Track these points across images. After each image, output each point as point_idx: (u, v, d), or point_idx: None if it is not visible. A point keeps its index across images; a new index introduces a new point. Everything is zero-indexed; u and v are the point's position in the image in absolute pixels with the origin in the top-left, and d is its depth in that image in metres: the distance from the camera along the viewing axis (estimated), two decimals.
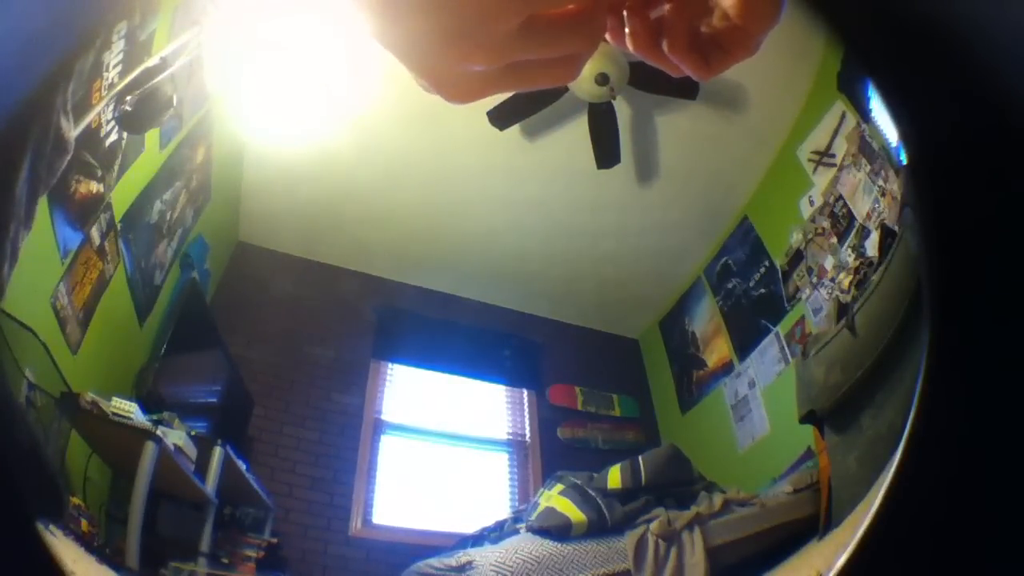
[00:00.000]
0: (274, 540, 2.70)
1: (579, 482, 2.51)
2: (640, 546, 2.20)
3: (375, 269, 3.96)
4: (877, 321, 1.81)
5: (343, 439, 3.35)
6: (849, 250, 2.76)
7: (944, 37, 0.37)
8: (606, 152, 3.16)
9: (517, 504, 3.34)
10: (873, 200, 2.66)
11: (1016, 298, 0.38)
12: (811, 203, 3.05)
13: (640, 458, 2.60)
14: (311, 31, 2.55)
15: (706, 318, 3.84)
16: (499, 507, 3.33)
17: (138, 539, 1.86)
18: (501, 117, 2.99)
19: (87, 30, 0.48)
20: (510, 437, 3.76)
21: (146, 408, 2.07)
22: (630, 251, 3.90)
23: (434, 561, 2.38)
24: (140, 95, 1.92)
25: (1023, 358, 0.39)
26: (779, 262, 3.25)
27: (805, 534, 1.88)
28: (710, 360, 3.75)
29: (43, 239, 1.71)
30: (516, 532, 2.43)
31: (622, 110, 3.14)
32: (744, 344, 3.46)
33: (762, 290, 3.38)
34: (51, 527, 0.53)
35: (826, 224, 2.93)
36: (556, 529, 2.31)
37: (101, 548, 1.82)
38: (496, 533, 2.51)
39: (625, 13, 0.39)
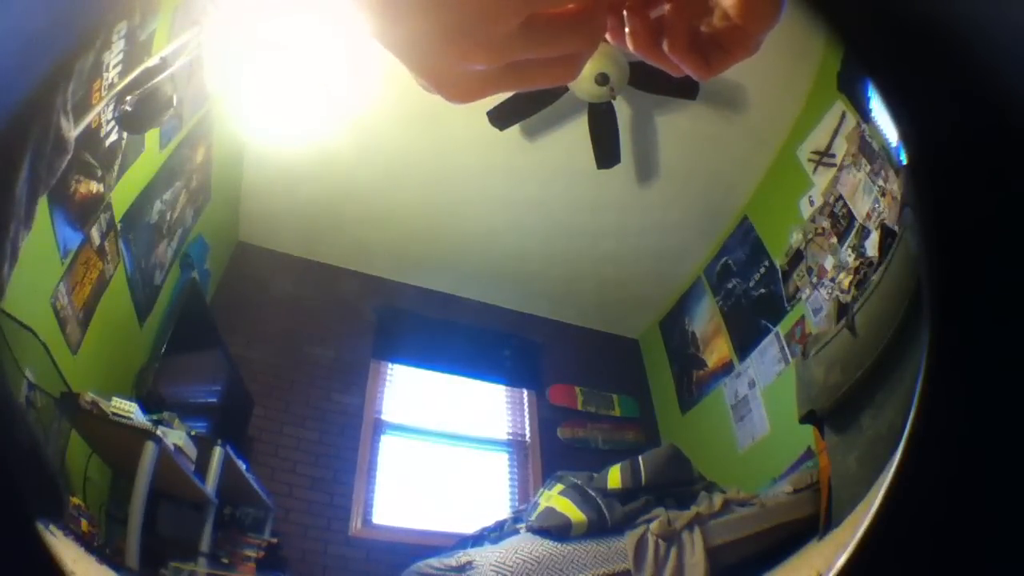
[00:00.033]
0: (274, 540, 2.69)
1: (579, 482, 2.51)
2: (640, 546, 2.20)
3: (375, 269, 3.96)
4: (877, 321, 1.81)
5: (343, 439, 3.35)
6: (849, 250, 2.75)
7: (944, 37, 0.37)
8: (606, 152, 3.16)
9: (517, 504, 3.34)
10: (873, 200, 2.66)
11: (1016, 298, 0.38)
12: (811, 203, 3.05)
13: (640, 458, 2.59)
14: (311, 31, 2.55)
15: (706, 318, 3.84)
16: (499, 507, 3.33)
17: (138, 539, 1.86)
18: (501, 117, 2.99)
19: (87, 30, 0.47)
20: (510, 437, 3.76)
21: (146, 408, 2.07)
22: (630, 251, 3.90)
23: (434, 561, 2.38)
24: (140, 95, 1.92)
25: (1023, 358, 0.39)
26: (779, 262, 3.25)
27: (805, 534, 1.88)
28: (710, 360, 3.75)
29: (43, 239, 1.71)
30: (516, 532, 2.43)
31: (622, 110, 3.14)
32: (744, 344, 3.46)
33: (762, 290, 3.38)
34: (51, 527, 0.53)
35: (826, 224, 2.93)
36: (556, 529, 2.31)
37: (101, 548, 1.82)
38: (496, 533, 2.51)
39: (625, 13, 0.39)
